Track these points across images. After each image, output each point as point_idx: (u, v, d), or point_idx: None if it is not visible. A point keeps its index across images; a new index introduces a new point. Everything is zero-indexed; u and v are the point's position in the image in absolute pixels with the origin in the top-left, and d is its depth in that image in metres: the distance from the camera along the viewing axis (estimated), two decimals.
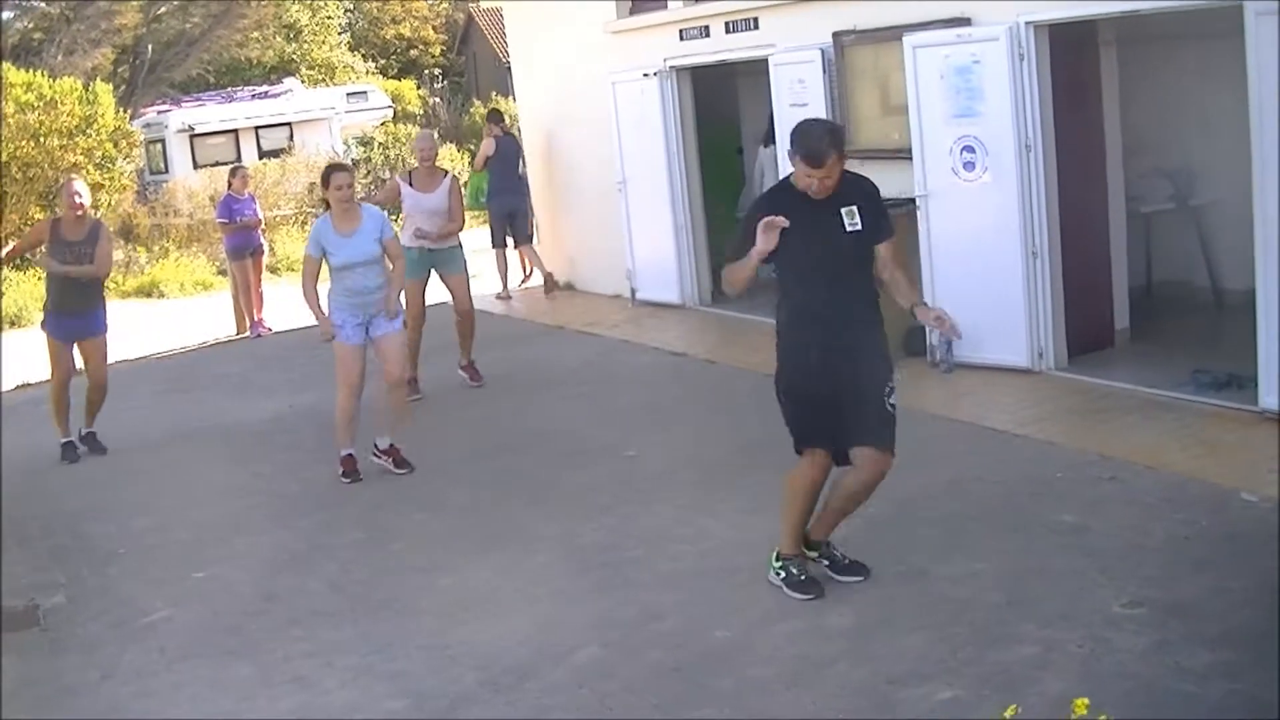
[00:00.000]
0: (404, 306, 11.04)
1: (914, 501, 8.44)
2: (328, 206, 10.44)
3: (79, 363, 12.12)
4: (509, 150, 18.39)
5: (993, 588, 6.99)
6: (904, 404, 10.28)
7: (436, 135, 18.23)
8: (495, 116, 20.14)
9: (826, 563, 7.43)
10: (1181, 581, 6.85)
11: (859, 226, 6.94)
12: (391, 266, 10.57)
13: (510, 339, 15.60)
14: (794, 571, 7.30)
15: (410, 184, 12.78)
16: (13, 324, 22.27)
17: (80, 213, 11.69)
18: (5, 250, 11.79)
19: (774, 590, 7.38)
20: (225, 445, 12.19)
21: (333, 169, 10.64)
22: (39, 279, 22.28)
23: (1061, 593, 6.86)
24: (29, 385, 16.05)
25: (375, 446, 10.63)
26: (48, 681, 7.30)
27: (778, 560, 7.37)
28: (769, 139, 14.67)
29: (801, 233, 6.84)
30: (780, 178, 7.86)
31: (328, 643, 7.40)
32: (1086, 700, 3.93)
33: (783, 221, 6.78)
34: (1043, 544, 7.51)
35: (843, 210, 6.93)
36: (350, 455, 10.49)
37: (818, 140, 6.85)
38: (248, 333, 18.45)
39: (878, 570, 7.45)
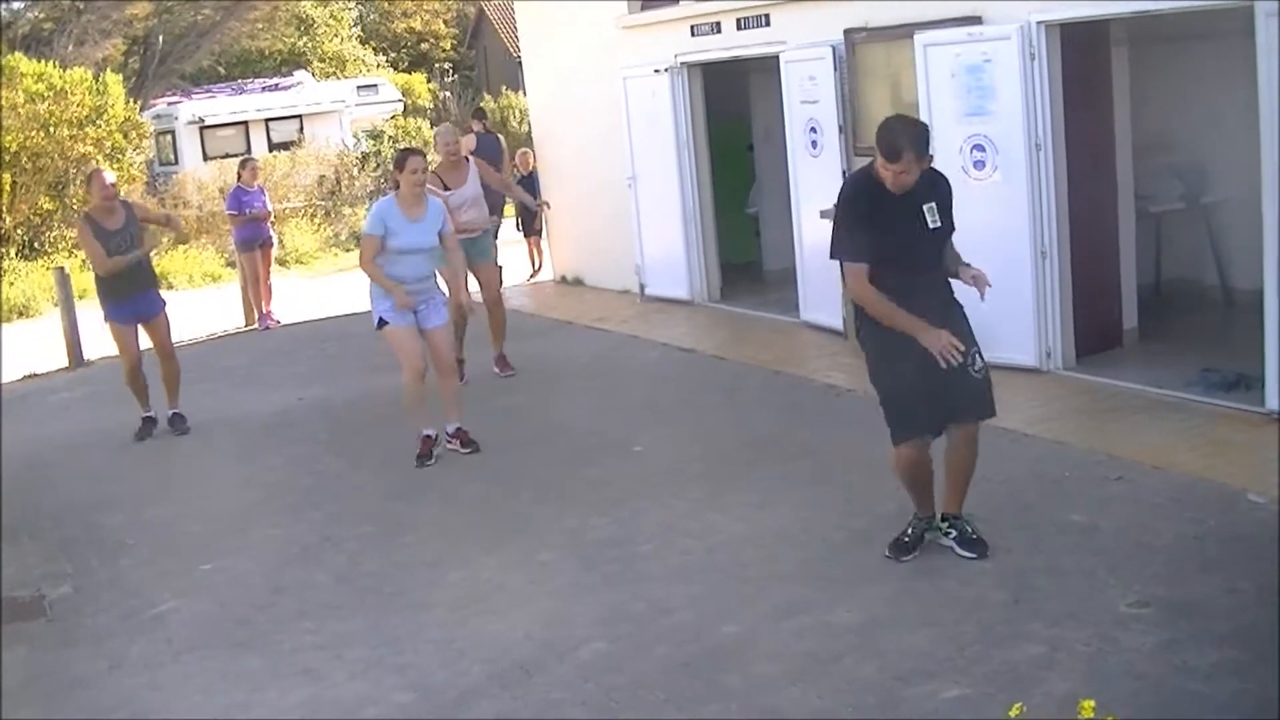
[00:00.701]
0: (446, 295, 11.01)
1: None
2: (396, 188, 10.44)
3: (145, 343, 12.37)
4: (488, 147, 18.30)
5: (1000, 586, 7.00)
6: None
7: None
8: (479, 114, 20.56)
9: (955, 534, 7.52)
10: (1189, 581, 6.86)
11: (939, 224, 7.19)
12: (450, 258, 10.76)
13: (519, 334, 15.59)
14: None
15: (444, 185, 12.49)
16: (21, 314, 22.34)
17: (111, 202, 11.87)
18: (101, 268, 11.87)
19: (781, 585, 7.40)
20: (234, 437, 12.22)
21: (409, 152, 10.60)
22: (47, 269, 22.44)
23: (1069, 592, 6.87)
24: (36, 375, 16.11)
25: (445, 432, 10.73)
26: (56, 672, 7.32)
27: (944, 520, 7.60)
28: None
29: (889, 226, 7.09)
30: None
31: (336, 635, 7.42)
32: (1093, 702, 3.94)
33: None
34: (1050, 543, 7.52)
35: (924, 207, 7.15)
36: (428, 436, 10.57)
37: (895, 136, 7.02)
38: (256, 325, 18.46)
39: (885, 567, 7.48)
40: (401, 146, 12.16)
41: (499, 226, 16.58)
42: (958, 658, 6.29)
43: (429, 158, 11.56)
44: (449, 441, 10.72)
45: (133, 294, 12.03)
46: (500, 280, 13.38)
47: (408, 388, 10.50)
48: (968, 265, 7.40)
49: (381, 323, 10.38)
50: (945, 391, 7.12)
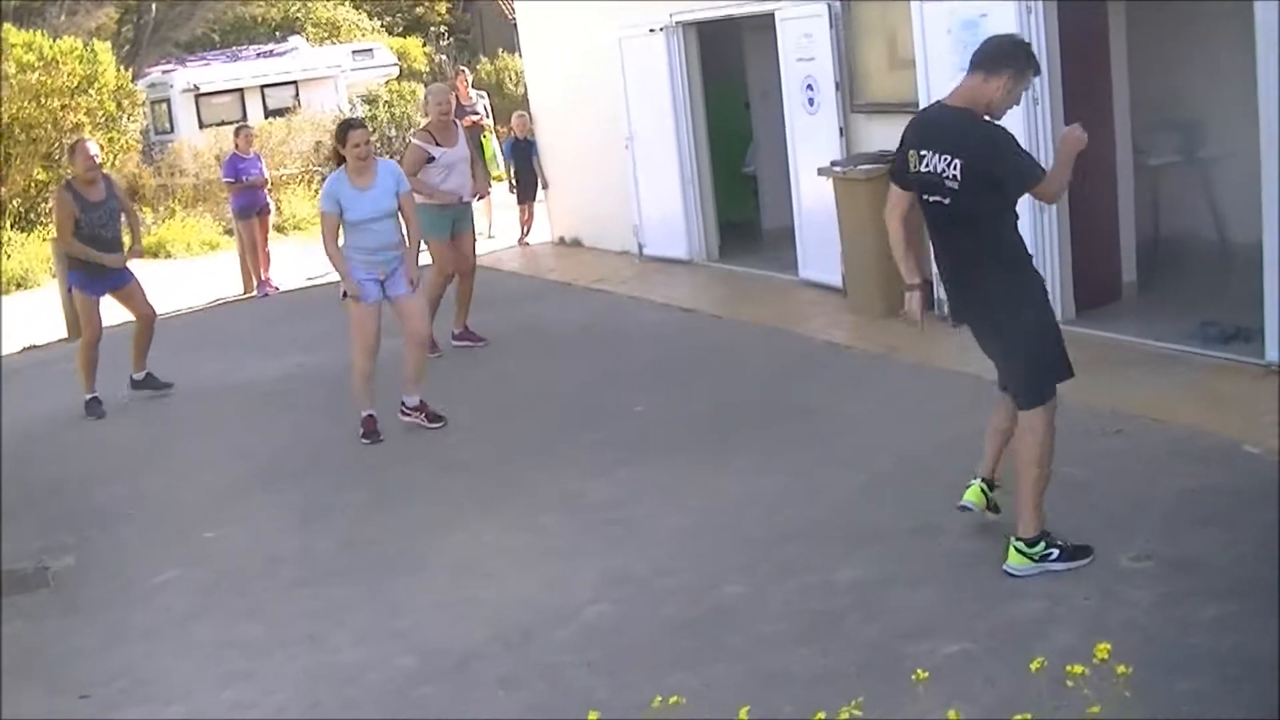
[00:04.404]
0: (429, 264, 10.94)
1: (920, 457, 8.46)
2: (340, 162, 10.35)
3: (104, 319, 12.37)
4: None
5: (1000, 542, 6.96)
6: (912, 359, 10.32)
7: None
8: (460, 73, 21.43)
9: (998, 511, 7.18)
10: (1188, 535, 6.85)
11: None
12: (406, 225, 10.52)
13: (519, 296, 15.61)
14: (1060, 544, 6.77)
15: (435, 142, 12.37)
16: (19, 285, 22.30)
17: (94, 174, 11.86)
18: (64, 242, 11.88)
19: (783, 545, 7.40)
20: (234, 405, 12.22)
21: (349, 125, 10.55)
22: (44, 240, 22.41)
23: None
24: (36, 347, 16.10)
25: (404, 405, 10.64)
26: (57, 642, 7.34)
27: (1035, 546, 6.72)
28: None
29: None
30: None
31: (337, 602, 7.43)
32: (1108, 645, 3.94)
33: None
34: (1050, 497, 7.46)
35: None
36: (371, 416, 10.47)
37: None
38: (255, 292, 18.44)
39: (886, 525, 7.48)
40: (343, 119, 12.03)
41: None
42: (959, 614, 6.29)
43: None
44: (409, 415, 10.62)
45: (105, 269, 12.00)
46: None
47: (357, 366, 10.50)
48: None
49: (345, 295, 10.32)
50: None
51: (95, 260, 11.86)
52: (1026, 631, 6.02)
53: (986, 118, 6.62)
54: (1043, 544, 6.69)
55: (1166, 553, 6.67)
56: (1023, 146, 6.73)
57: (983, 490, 7.17)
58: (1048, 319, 6.87)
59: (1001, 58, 6.63)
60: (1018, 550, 6.68)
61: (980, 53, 6.68)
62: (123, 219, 12.38)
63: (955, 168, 6.53)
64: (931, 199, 6.72)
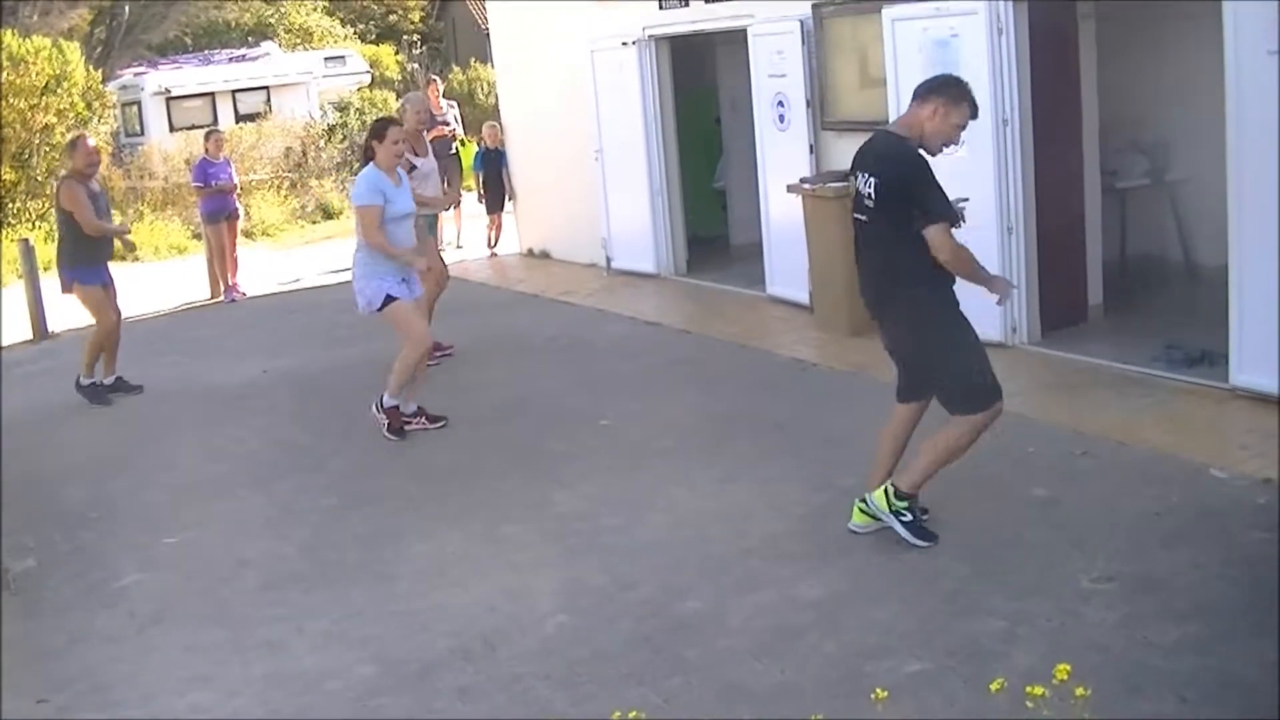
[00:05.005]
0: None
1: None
2: (368, 159, 10.29)
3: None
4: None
5: (962, 560, 7.01)
6: (878, 376, 10.33)
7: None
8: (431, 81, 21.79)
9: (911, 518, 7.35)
10: (1152, 556, 6.88)
11: None
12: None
13: (486, 306, 15.58)
14: (916, 513, 7.32)
15: (414, 151, 12.21)
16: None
17: (95, 169, 12.42)
18: (91, 225, 12.02)
19: (745, 559, 7.41)
20: (200, 409, 12.17)
21: (389, 121, 10.60)
22: (11, 241, 22.26)
23: (1032, 566, 6.89)
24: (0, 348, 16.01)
25: (405, 411, 10.61)
26: (17, 645, 7.27)
27: (901, 500, 7.27)
28: None
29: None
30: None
31: (300, 608, 7.40)
32: (1068, 666, 3.95)
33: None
34: (1014, 517, 7.54)
35: None
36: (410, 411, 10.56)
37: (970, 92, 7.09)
38: (222, 297, 18.38)
39: (848, 541, 7.48)
40: (379, 117, 12.03)
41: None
42: (919, 632, 6.30)
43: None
44: (411, 421, 10.57)
45: (105, 260, 12.46)
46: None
47: (417, 365, 10.42)
48: None
49: (389, 299, 10.14)
50: None
51: (114, 234, 12.57)
52: (987, 651, 6.04)
53: (921, 150, 6.96)
54: (906, 503, 7.15)
55: (1130, 573, 6.69)
56: (937, 182, 6.93)
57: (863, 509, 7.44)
58: (958, 335, 7.08)
59: (937, 88, 7.05)
60: (886, 494, 7.17)
61: (919, 84, 7.11)
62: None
63: (871, 186, 6.93)
64: (857, 216, 7.14)
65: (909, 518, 7.22)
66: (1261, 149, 8.75)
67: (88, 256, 12.25)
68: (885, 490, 7.26)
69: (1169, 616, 6.19)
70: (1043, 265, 11.12)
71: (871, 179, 6.95)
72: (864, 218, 7.07)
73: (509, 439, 10.26)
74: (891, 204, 6.88)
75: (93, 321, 12.61)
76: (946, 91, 7.00)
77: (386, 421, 10.43)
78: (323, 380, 12.70)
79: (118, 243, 12.95)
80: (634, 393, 11.26)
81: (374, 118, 31.23)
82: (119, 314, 12.77)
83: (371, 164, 10.25)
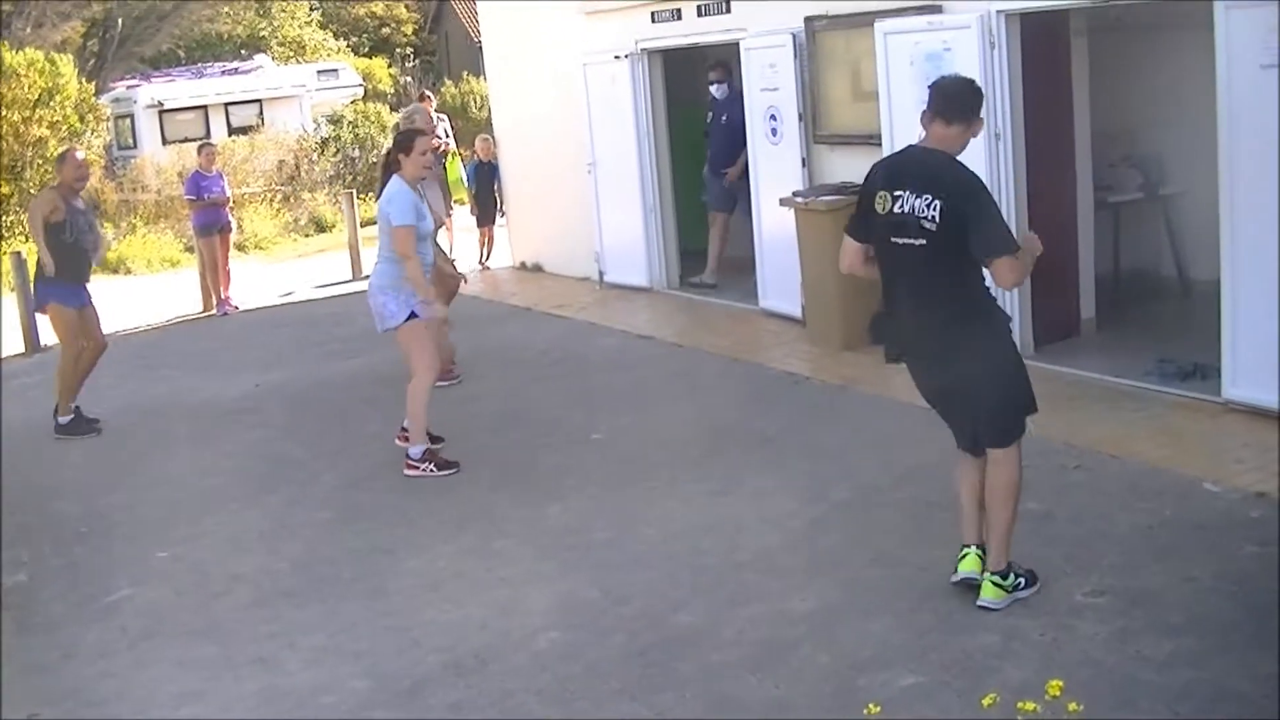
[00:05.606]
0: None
1: (878, 487, 8.49)
2: (390, 171, 9.85)
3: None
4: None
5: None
6: (870, 391, 10.35)
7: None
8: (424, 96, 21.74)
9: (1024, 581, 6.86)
10: (1145, 570, 6.88)
11: None
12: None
13: (479, 320, 15.57)
14: (1022, 572, 6.82)
15: None
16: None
17: (83, 183, 12.18)
18: (34, 234, 11.84)
19: (738, 573, 7.41)
20: (192, 423, 12.14)
21: (416, 133, 10.01)
22: (3, 254, 22.24)
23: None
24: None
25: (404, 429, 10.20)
26: (9, 660, 7.25)
27: (1007, 578, 6.73)
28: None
29: None
30: None
31: (292, 623, 7.39)
32: (1060, 682, 3.95)
33: None
34: None
35: None
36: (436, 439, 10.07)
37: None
38: (215, 311, 18.36)
39: (842, 554, 7.49)
40: (403, 128, 11.76)
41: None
42: (913, 646, 6.30)
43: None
44: (418, 466, 9.87)
45: (85, 280, 12.03)
46: None
47: (429, 387, 9.92)
48: None
49: (412, 315, 9.64)
50: None
51: (46, 267, 11.73)
52: (980, 665, 6.04)
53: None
54: (1012, 575, 6.71)
55: (1123, 587, 6.69)
56: (1000, 213, 6.63)
57: (979, 556, 6.87)
58: (1017, 358, 6.86)
59: (975, 106, 6.65)
60: (993, 584, 6.66)
61: (945, 98, 6.63)
62: None
63: (936, 209, 6.39)
64: (901, 240, 6.55)
65: (1022, 582, 6.76)
66: (1254, 163, 8.77)
67: (73, 274, 11.79)
68: (990, 582, 6.69)
69: (1162, 630, 6.19)
70: (1035, 279, 11.03)
71: (935, 201, 6.41)
72: (920, 241, 6.48)
73: (501, 452, 10.25)
74: (958, 229, 6.38)
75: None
76: (978, 107, 6.64)
77: (430, 467, 9.80)
78: (316, 394, 12.68)
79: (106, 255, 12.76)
80: (626, 406, 11.25)
81: (366, 131, 31.57)
82: (101, 339, 12.28)
83: (398, 178, 9.73)
